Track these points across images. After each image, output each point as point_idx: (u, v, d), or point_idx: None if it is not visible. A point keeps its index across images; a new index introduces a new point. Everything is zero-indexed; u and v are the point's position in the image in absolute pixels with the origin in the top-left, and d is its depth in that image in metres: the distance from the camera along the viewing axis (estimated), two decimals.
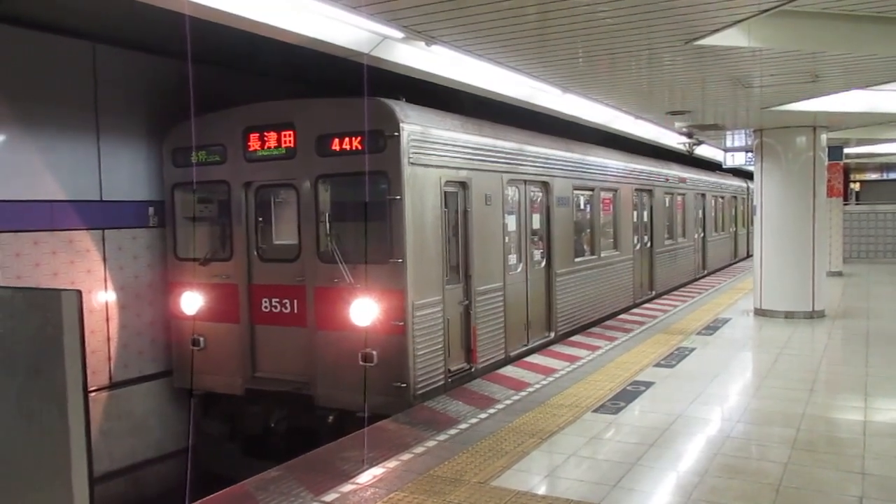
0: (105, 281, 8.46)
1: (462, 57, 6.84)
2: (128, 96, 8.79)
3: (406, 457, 5.97)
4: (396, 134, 7.52)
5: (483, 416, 7.09)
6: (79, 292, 2.38)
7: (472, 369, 8.81)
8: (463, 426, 6.77)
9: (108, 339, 8.54)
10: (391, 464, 5.82)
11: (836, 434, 6.52)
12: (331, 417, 7.87)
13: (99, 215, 8.40)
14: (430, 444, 6.30)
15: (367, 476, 5.57)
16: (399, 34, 6.01)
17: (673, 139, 14.64)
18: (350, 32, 6.15)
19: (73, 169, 8.15)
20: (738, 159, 16.67)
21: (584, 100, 9.75)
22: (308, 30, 5.94)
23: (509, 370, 9.09)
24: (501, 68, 7.42)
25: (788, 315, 12.32)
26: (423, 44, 6.37)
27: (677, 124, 12.73)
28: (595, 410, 7.17)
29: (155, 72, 8.99)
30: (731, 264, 24.44)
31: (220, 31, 5.84)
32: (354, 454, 6.06)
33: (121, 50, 8.59)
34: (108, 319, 8.52)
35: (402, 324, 7.60)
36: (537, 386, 8.20)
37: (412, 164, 7.68)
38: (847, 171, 29.11)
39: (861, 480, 5.34)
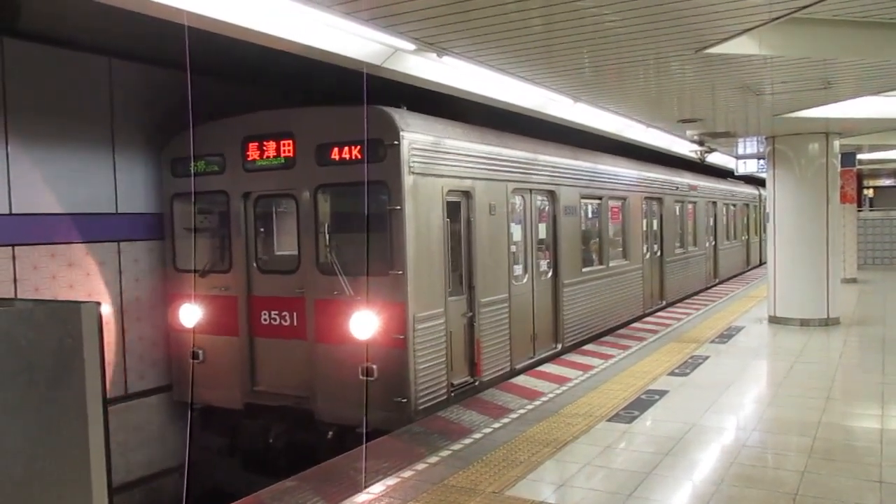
0: (109, 294, 8.45)
1: (472, 67, 6.87)
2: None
3: (420, 466, 5.98)
4: (396, 143, 7.38)
5: (496, 425, 7.09)
6: (98, 304, 2.42)
7: (476, 383, 8.64)
8: (476, 436, 6.77)
9: (124, 351, 8.59)
10: (405, 474, 5.82)
11: (853, 442, 6.46)
12: (330, 433, 7.70)
13: (114, 228, 8.46)
14: (444, 454, 6.29)
15: (381, 486, 5.57)
16: (411, 46, 6.06)
17: (685, 147, 14.61)
18: (360, 45, 6.18)
19: (88, 182, 8.23)
20: (750, 166, 16.59)
21: (596, 109, 9.74)
22: (318, 42, 5.96)
23: (521, 380, 9.05)
24: (511, 78, 7.43)
25: (803, 322, 12.23)
26: (433, 55, 6.41)
27: (689, 132, 12.71)
28: (609, 419, 7.15)
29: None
30: (743, 272, 24.29)
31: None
32: (369, 465, 6.05)
33: (127, 63, 8.63)
34: (121, 332, 8.57)
35: (402, 337, 7.44)
36: (550, 395, 8.18)
37: (413, 173, 7.54)
38: (860, 176, 28.92)
39: (879, 489, 5.29)
